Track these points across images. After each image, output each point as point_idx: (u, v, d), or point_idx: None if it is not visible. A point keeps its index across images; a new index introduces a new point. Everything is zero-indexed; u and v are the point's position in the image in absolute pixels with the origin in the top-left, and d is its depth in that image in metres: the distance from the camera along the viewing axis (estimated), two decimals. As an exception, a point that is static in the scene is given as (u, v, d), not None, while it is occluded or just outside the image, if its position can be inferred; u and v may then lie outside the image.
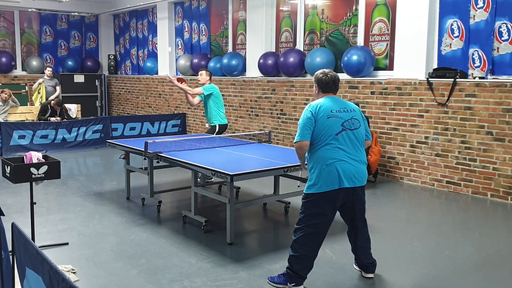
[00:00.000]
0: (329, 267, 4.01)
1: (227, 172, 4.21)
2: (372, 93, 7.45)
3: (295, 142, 3.53)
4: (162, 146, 5.58)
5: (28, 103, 12.30)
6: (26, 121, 10.19)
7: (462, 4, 6.50)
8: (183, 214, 5.18)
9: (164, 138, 6.47)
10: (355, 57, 7.52)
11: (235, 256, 4.24)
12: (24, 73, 13.52)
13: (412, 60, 6.91)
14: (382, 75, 7.56)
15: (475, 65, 6.45)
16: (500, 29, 6.16)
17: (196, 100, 7.29)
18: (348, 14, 8.19)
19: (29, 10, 13.28)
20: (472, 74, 6.46)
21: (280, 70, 8.87)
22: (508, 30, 6.10)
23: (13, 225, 2.51)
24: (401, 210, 5.77)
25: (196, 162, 4.71)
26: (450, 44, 6.71)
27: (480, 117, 6.23)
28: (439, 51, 6.84)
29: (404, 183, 7.08)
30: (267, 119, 9.25)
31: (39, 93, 11.24)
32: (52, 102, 10.19)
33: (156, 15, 12.46)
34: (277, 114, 9.04)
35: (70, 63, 14.14)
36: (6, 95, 10.02)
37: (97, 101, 14.09)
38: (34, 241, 3.73)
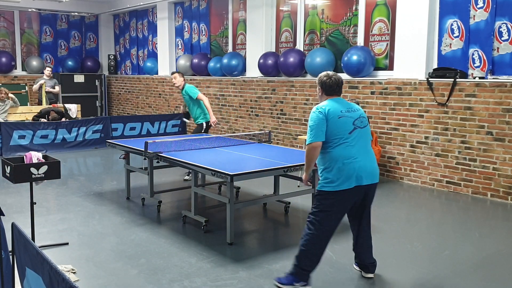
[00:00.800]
0: (329, 267, 4.01)
1: (227, 172, 4.21)
2: (372, 93, 7.45)
3: (308, 144, 3.49)
4: (162, 146, 5.58)
5: (28, 103, 12.30)
6: (26, 121, 10.19)
7: (462, 4, 6.50)
8: (183, 214, 5.18)
9: (164, 138, 6.47)
10: (355, 57, 7.52)
11: (235, 256, 4.24)
12: (24, 73, 13.51)
13: (412, 60, 6.91)
14: (382, 75, 7.56)
15: (475, 65, 6.45)
16: (500, 29, 6.16)
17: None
18: (348, 14, 8.19)
19: (29, 10, 13.28)
20: (472, 74, 6.46)
21: (280, 70, 8.87)
22: (508, 30, 6.10)
23: (13, 225, 2.51)
24: (401, 210, 5.77)
25: (196, 162, 4.71)
26: (450, 44, 6.71)
27: (480, 117, 6.23)
28: (439, 51, 6.84)
29: (404, 183, 7.08)
30: (267, 119, 9.25)
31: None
32: (52, 113, 10.17)
33: (156, 15, 12.46)
34: (277, 114, 9.04)
35: (70, 63, 14.14)
36: (2, 95, 10.00)
37: (97, 101, 14.09)
38: (34, 241, 3.73)
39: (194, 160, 4.79)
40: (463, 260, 4.17)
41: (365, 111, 7.42)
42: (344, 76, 7.91)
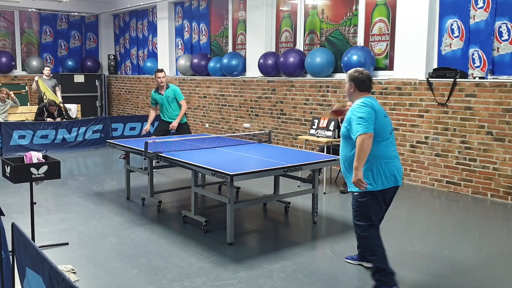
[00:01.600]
0: (329, 267, 4.01)
1: (227, 172, 4.21)
2: (372, 93, 7.44)
3: (361, 134, 3.31)
4: (162, 146, 5.58)
5: (28, 103, 12.30)
6: (26, 121, 10.19)
7: (462, 4, 6.50)
8: (183, 214, 5.18)
9: (164, 138, 6.47)
10: (355, 57, 7.52)
11: (235, 256, 4.24)
12: (24, 73, 13.51)
13: (412, 60, 6.91)
14: (382, 75, 7.56)
15: (475, 65, 6.45)
16: (500, 29, 6.16)
17: (153, 114, 7.62)
18: (348, 14, 8.19)
19: (29, 10, 13.28)
20: (472, 74, 6.46)
21: (280, 70, 8.87)
22: (508, 30, 6.10)
23: (13, 225, 2.51)
24: (401, 210, 5.77)
25: (196, 162, 4.71)
26: (450, 44, 6.71)
27: (480, 117, 6.23)
28: (439, 51, 6.84)
29: (404, 183, 7.08)
30: (267, 119, 9.25)
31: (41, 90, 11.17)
32: (51, 108, 10.14)
33: (156, 15, 12.46)
34: (277, 114, 9.04)
35: (70, 63, 14.14)
36: (3, 95, 10.00)
37: (97, 101, 14.09)
38: (34, 241, 3.73)
39: (194, 160, 4.78)
40: (463, 260, 4.17)
41: (365, 111, 7.45)
42: (344, 76, 7.91)
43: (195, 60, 10.83)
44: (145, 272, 3.88)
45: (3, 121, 9.71)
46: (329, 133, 6.65)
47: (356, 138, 3.36)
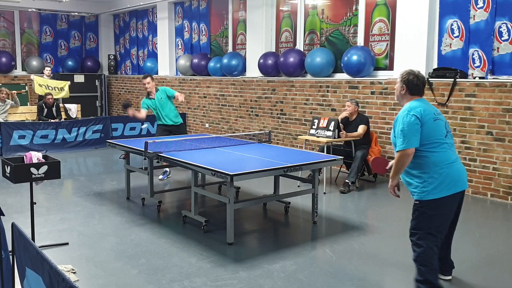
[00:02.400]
0: (329, 267, 4.01)
1: (227, 172, 4.21)
2: (372, 93, 7.45)
3: (399, 151, 3.27)
4: (162, 146, 5.58)
5: (28, 103, 12.30)
6: (26, 121, 10.19)
7: (462, 4, 6.50)
8: (183, 214, 5.18)
9: (164, 138, 6.47)
10: (355, 57, 7.52)
11: (235, 256, 4.24)
12: (24, 73, 13.51)
13: (412, 60, 6.90)
14: (382, 75, 7.56)
15: (475, 65, 6.45)
16: (500, 29, 6.16)
17: (144, 113, 7.45)
18: (348, 14, 8.19)
19: (29, 10, 13.28)
20: (472, 74, 6.46)
21: (280, 70, 8.87)
22: (508, 30, 6.10)
23: (13, 225, 2.51)
24: (401, 210, 5.76)
25: (196, 162, 4.71)
26: (450, 44, 6.71)
27: (480, 117, 6.23)
28: (439, 51, 6.84)
29: (404, 183, 7.07)
30: (267, 119, 9.25)
31: (40, 86, 11.15)
32: (47, 99, 10.13)
33: (156, 15, 12.46)
34: (277, 114, 9.04)
35: (70, 63, 14.14)
36: (3, 95, 10.00)
37: (97, 101, 14.09)
38: (34, 241, 3.73)
39: (194, 160, 4.78)
40: (463, 260, 4.16)
41: (365, 111, 7.45)
42: (344, 76, 7.91)
43: (195, 60, 10.83)
44: (145, 272, 3.88)
45: (3, 121, 9.71)
46: (329, 133, 6.65)
47: (396, 152, 3.34)
